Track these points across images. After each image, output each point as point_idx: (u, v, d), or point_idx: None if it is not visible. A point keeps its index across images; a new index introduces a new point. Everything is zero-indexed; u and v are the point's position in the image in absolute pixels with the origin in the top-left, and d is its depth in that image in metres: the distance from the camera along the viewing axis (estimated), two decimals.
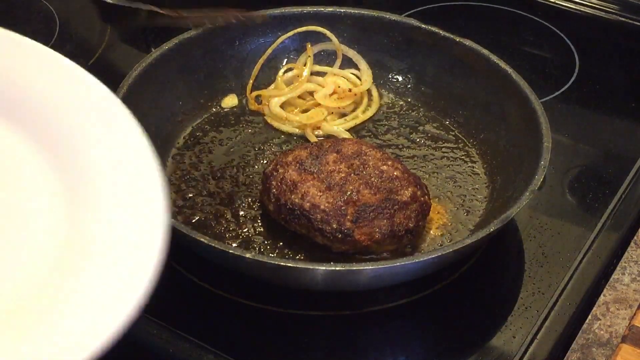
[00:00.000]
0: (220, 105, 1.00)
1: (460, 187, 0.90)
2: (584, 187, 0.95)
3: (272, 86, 1.01)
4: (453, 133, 0.97)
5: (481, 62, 0.96)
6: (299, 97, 1.00)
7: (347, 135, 0.97)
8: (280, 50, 1.02)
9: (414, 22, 1.01)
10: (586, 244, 0.86)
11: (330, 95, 1.00)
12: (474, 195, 0.89)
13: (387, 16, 1.01)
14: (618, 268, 0.83)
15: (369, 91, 1.01)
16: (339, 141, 0.86)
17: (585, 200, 0.93)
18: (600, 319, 0.78)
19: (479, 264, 0.84)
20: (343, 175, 0.82)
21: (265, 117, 0.99)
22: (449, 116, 0.99)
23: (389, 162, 0.84)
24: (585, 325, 0.77)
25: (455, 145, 0.96)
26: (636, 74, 1.13)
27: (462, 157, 0.94)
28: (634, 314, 0.78)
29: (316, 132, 0.97)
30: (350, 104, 1.00)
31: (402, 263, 0.74)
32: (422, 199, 0.82)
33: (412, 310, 0.81)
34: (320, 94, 0.99)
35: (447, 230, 0.86)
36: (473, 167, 0.93)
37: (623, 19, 1.20)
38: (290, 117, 0.98)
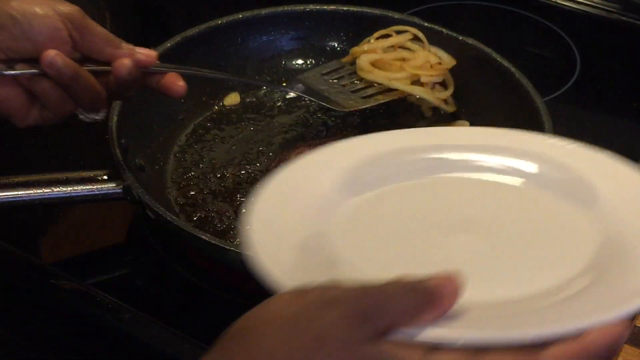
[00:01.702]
0: (222, 103, 0.99)
1: None
2: None
3: (365, 46, 0.98)
4: None
5: (484, 61, 0.96)
6: (390, 62, 0.97)
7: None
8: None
9: (417, 20, 1.00)
10: None
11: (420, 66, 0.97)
12: None
13: (391, 14, 1.01)
14: None
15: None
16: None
17: None
18: None
19: None
20: None
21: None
22: (451, 115, 0.98)
23: None
24: None
25: None
26: (638, 74, 1.13)
27: None
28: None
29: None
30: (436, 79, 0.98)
31: None
32: None
33: None
34: (411, 62, 0.97)
35: None
36: None
37: (625, 18, 1.20)
38: (377, 73, 0.95)
